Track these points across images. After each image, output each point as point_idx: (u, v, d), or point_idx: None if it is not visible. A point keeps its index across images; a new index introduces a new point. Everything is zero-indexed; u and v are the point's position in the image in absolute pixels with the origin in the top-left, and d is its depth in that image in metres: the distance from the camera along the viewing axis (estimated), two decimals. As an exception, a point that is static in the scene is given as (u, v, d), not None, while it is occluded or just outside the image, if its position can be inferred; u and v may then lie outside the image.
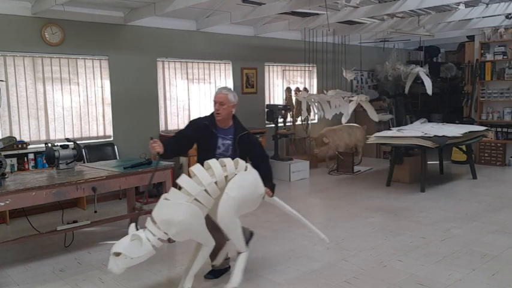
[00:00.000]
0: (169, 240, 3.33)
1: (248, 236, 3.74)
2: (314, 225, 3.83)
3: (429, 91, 7.59)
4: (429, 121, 8.61)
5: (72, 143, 4.47)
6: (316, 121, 9.23)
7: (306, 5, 5.75)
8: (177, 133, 3.65)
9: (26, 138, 5.72)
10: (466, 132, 7.00)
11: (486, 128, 7.78)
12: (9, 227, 5.30)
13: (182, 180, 3.09)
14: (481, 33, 8.77)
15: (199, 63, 7.46)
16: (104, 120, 6.45)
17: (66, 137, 5.85)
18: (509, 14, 7.36)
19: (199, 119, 3.70)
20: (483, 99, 8.82)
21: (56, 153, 4.30)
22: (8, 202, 3.60)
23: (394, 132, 6.92)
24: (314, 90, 9.11)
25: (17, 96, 5.69)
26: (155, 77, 6.89)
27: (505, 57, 8.46)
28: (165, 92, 7.07)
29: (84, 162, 5.38)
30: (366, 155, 9.16)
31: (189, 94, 7.38)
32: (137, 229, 3.02)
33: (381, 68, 10.11)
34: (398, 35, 8.58)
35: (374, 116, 7.33)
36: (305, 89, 8.69)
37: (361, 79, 10.38)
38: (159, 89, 6.98)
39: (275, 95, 8.73)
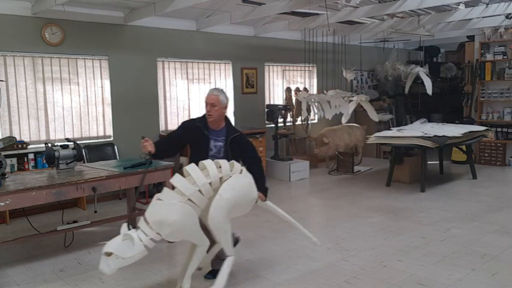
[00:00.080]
0: (170, 241, 3.31)
1: (234, 241, 3.70)
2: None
3: (429, 91, 7.60)
4: (429, 121, 8.61)
5: (72, 143, 4.47)
6: (316, 121, 9.23)
7: (306, 5, 5.74)
8: (169, 134, 3.65)
9: (26, 138, 5.73)
10: (466, 132, 7.00)
11: (486, 128, 7.78)
12: (9, 227, 5.30)
13: (176, 180, 3.04)
14: (481, 33, 8.76)
15: (199, 63, 7.46)
16: (104, 120, 6.45)
17: (66, 137, 5.85)
18: (509, 14, 7.36)
19: (192, 120, 3.70)
20: (483, 99, 8.82)
21: (56, 153, 4.29)
22: (8, 202, 3.60)
23: (394, 132, 6.92)
24: (314, 90, 9.10)
25: (17, 96, 5.69)
26: (155, 77, 6.89)
27: (505, 57, 8.46)
28: (165, 92, 7.07)
29: (84, 162, 5.38)
30: (365, 155, 9.16)
31: (189, 94, 7.37)
32: (129, 229, 2.99)
33: (381, 68, 10.11)
34: (398, 35, 8.58)
35: (374, 116, 7.33)
36: (305, 89, 8.68)
37: (361, 79, 10.38)
38: (159, 89, 6.98)
39: (275, 95, 8.73)
